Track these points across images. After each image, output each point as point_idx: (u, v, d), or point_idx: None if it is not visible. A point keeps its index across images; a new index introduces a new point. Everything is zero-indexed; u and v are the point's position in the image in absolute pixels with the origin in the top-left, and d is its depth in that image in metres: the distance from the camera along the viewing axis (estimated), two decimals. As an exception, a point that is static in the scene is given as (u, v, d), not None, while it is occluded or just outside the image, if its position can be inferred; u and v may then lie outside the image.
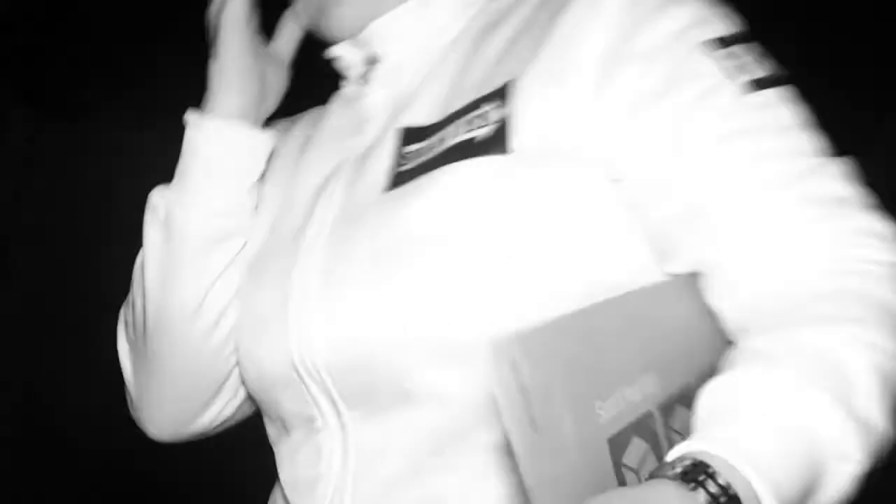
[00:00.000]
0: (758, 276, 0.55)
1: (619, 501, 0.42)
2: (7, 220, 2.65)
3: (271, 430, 0.76)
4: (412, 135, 0.68)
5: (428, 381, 0.60)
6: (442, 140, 0.65)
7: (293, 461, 0.70)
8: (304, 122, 0.87)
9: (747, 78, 0.58)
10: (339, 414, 0.65)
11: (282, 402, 0.70)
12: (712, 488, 0.41)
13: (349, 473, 0.64)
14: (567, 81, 0.61)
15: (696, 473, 0.41)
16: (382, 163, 0.68)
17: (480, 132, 0.63)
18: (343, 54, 0.77)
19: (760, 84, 0.58)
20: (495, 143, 0.61)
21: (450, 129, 0.65)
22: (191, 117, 0.76)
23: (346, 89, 0.80)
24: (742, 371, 0.49)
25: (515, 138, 0.61)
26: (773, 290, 0.54)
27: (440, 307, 0.60)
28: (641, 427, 0.51)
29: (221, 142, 0.75)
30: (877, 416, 0.47)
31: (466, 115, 0.65)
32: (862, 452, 0.46)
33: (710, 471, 0.41)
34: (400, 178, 0.65)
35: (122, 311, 0.85)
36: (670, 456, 0.44)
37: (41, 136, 2.75)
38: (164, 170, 0.79)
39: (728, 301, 0.57)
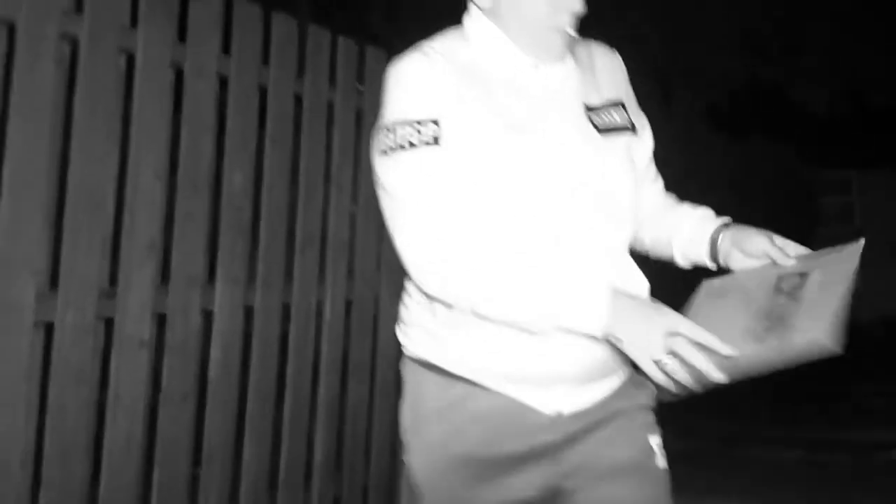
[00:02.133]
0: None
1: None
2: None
3: None
4: (590, 108, 1.36)
5: None
6: (610, 115, 1.37)
7: None
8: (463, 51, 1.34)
9: None
10: None
11: None
12: None
13: None
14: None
15: None
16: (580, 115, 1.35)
17: (626, 121, 1.40)
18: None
19: None
20: (633, 127, 1.41)
21: (607, 110, 1.37)
22: None
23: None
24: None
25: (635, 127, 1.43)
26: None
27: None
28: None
29: None
30: None
31: (615, 107, 1.38)
32: None
33: None
34: (603, 131, 1.34)
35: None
36: None
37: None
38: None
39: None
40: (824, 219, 12.25)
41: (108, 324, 2.15)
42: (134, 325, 2.19)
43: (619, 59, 1.47)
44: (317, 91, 2.83)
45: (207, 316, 2.45)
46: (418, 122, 1.24)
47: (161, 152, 2.30)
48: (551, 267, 1.20)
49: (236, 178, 2.53)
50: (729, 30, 8.31)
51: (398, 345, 1.45)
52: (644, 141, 1.48)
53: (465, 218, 1.23)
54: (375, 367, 3.09)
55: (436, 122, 1.24)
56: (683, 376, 1.14)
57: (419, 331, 1.38)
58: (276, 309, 2.65)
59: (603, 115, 1.34)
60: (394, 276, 3.16)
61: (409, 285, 1.40)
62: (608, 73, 1.42)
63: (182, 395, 2.33)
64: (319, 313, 2.85)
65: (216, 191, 2.50)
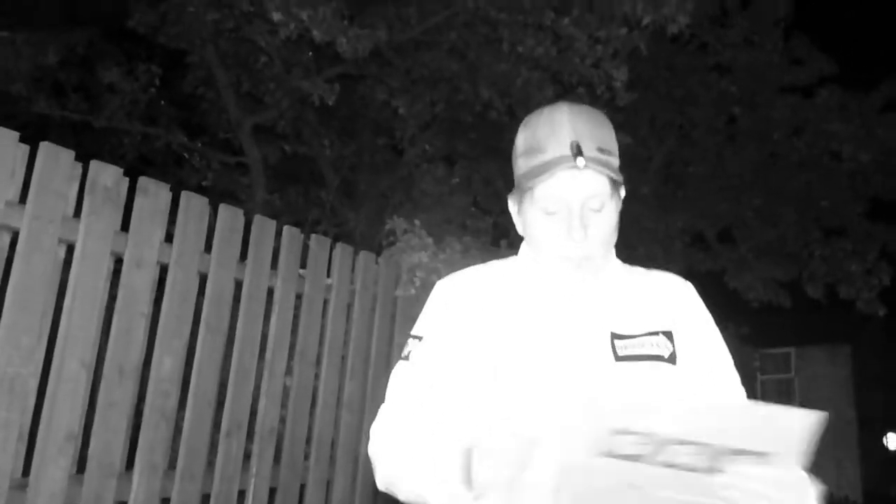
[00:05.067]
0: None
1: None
2: None
3: None
4: (617, 336, 1.33)
5: None
6: (641, 345, 1.32)
7: None
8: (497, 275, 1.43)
9: None
10: None
11: None
12: None
13: None
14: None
15: None
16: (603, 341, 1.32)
17: (663, 351, 1.33)
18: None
19: None
20: (671, 359, 1.33)
21: (639, 339, 1.33)
22: None
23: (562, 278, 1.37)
24: None
25: (677, 360, 1.35)
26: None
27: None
28: None
29: None
30: None
31: (652, 337, 1.34)
32: None
33: None
34: (622, 359, 1.30)
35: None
36: None
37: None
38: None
39: None
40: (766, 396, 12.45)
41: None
42: (40, 520, 2.12)
43: (690, 289, 1.46)
44: (257, 277, 2.89)
45: (121, 507, 2.38)
46: (418, 336, 1.42)
47: (90, 341, 2.30)
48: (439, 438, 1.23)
49: (165, 364, 2.53)
50: (667, 226, 8.84)
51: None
52: (691, 372, 1.35)
53: (422, 421, 1.32)
54: (296, 559, 2.99)
55: (422, 339, 1.40)
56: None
57: None
58: (194, 499, 2.59)
59: (629, 344, 1.33)
60: (321, 464, 3.12)
61: None
62: (658, 302, 1.40)
63: None
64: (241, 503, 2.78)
65: (144, 374, 2.49)
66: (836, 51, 9.67)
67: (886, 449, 13.91)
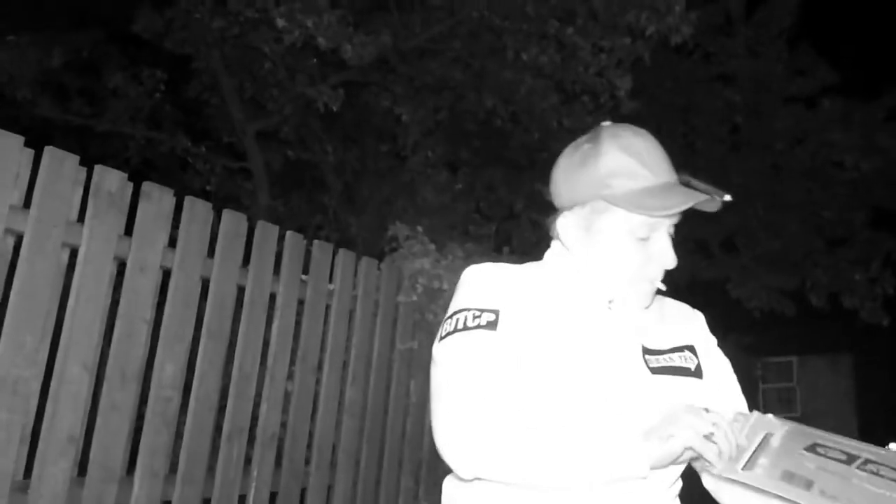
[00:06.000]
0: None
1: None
2: None
3: None
4: (648, 350, 1.36)
5: None
6: (670, 359, 1.37)
7: None
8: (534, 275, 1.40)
9: None
10: None
11: None
12: None
13: None
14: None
15: None
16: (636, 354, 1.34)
17: (689, 364, 1.39)
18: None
19: None
20: (697, 373, 1.40)
21: (667, 354, 1.37)
22: None
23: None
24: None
25: (703, 373, 1.42)
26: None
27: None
28: None
29: None
30: None
31: (679, 352, 1.39)
32: None
33: None
34: (656, 371, 1.33)
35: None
36: None
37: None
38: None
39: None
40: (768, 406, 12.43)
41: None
42: (41, 523, 2.13)
43: (701, 316, 1.53)
44: (260, 282, 2.90)
45: (122, 511, 2.39)
46: (479, 310, 1.30)
47: (92, 344, 2.31)
48: (585, 427, 1.20)
49: (167, 369, 2.54)
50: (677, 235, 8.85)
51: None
52: (714, 385, 1.44)
53: (506, 398, 1.23)
54: (296, 564, 2.99)
55: (495, 313, 1.30)
56: (731, 443, 1.17)
57: None
58: (195, 503, 2.59)
59: (660, 358, 1.37)
60: (322, 469, 3.13)
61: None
62: (678, 322, 1.47)
63: None
64: (241, 507, 2.79)
65: (146, 379, 2.49)
66: (840, 60, 9.65)
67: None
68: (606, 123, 1.40)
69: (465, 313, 1.31)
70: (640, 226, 1.31)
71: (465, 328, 1.28)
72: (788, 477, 1.15)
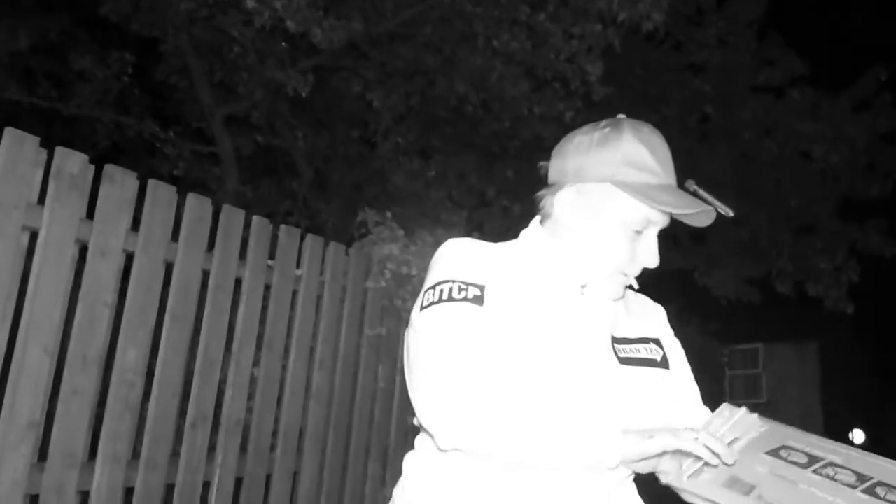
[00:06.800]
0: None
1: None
2: None
3: None
4: (616, 339, 1.39)
5: None
6: (637, 350, 1.40)
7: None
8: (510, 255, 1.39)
9: None
10: None
11: None
12: None
13: None
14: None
15: None
16: (605, 342, 1.36)
17: (655, 356, 1.43)
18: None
19: None
20: (664, 363, 1.44)
21: (633, 344, 1.40)
22: None
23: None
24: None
25: (670, 364, 1.46)
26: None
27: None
28: None
29: None
30: None
31: (644, 343, 1.43)
32: None
33: None
34: (624, 361, 1.36)
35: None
36: None
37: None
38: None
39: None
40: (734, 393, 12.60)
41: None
42: (1, 508, 2.10)
43: (662, 311, 1.57)
44: (225, 267, 2.88)
45: (84, 497, 2.37)
46: (464, 283, 1.28)
47: (53, 328, 2.28)
48: (569, 410, 1.21)
49: (130, 354, 2.51)
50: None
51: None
52: (677, 376, 1.48)
53: (490, 372, 1.21)
54: (262, 549, 2.99)
55: (480, 288, 1.28)
56: (720, 446, 1.17)
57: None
58: (158, 490, 2.58)
59: (627, 348, 1.40)
60: (288, 455, 3.12)
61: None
62: (643, 315, 1.51)
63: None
64: (206, 493, 2.77)
65: (108, 364, 2.47)
66: (809, 51, 9.75)
67: (852, 444, 14.11)
68: (623, 116, 1.41)
69: (450, 284, 1.28)
70: (638, 219, 1.33)
71: (451, 299, 1.26)
72: (732, 483, 1.15)
